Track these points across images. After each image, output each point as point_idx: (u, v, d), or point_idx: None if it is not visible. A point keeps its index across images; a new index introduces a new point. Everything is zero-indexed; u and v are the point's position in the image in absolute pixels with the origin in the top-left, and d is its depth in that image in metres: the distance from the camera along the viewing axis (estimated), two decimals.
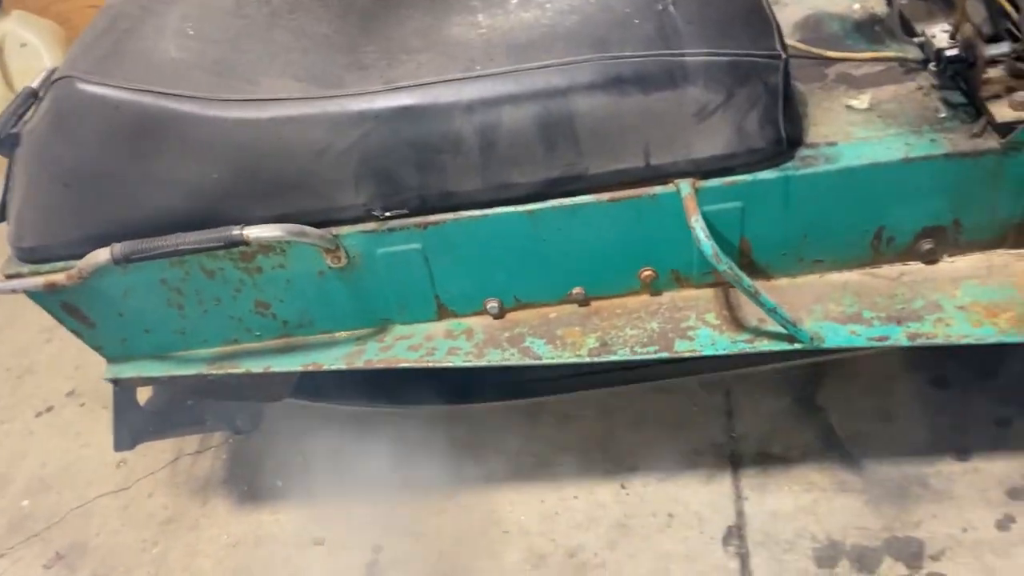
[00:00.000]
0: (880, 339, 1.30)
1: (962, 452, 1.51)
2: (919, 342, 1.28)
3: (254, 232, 1.25)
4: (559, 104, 1.25)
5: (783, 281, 1.43)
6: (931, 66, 1.39)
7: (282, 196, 1.30)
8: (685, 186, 1.28)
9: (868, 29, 1.60)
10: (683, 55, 1.25)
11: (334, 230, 1.33)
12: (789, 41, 1.55)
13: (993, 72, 1.32)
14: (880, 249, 1.40)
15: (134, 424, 1.71)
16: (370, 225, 1.33)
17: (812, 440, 1.60)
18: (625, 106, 1.26)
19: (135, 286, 1.38)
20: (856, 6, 1.67)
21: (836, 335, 1.31)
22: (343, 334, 1.46)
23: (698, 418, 1.69)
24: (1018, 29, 1.28)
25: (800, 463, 1.57)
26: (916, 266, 1.41)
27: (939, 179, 1.32)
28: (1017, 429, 1.52)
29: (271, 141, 1.26)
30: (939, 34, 1.39)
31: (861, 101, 1.43)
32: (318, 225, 1.32)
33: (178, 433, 1.85)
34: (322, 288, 1.40)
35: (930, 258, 1.41)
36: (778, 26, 1.32)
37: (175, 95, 1.25)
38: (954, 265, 1.41)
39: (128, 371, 1.50)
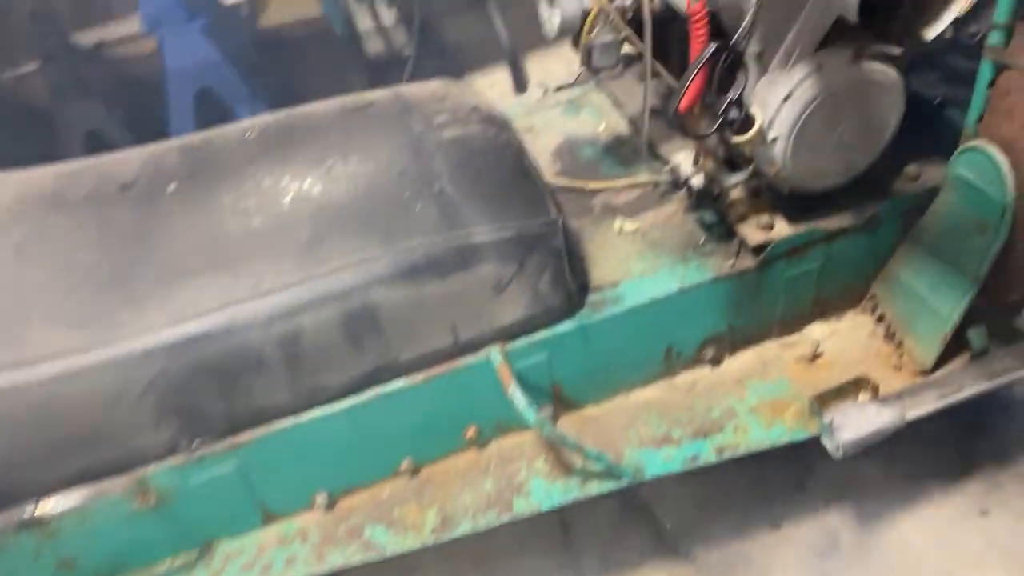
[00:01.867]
0: (693, 459, 1.40)
1: (774, 522, 1.67)
2: (727, 455, 1.40)
3: (49, 507, 1.13)
4: (358, 302, 1.25)
5: (594, 410, 1.51)
6: (686, 191, 1.53)
7: (77, 454, 1.18)
8: (496, 355, 1.32)
9: (618, 152, 1.73)
10: (470, 235, 1.29)
11: (140, 472, 1.23)
12: (552, 175, 1.65)
13: (735, 194, 1.48)
14: (672, 363, 1.52)
15: None
16: (179, 458, 1.25)
17: (645, 539, 1.70)
18: (425, 293, 1.27)
19: None
20: (601, 127, 1.81)
21: (654, 463, 1.40)
22: (163, 567, 1.35)
23: (539, 540, 1.74)
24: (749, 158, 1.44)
25: (639, 564, 1.66)
26: (705, 370, 1.55)
27: (711, 299, 1.45)
28: (811, 490, 1.70)
29: (53, 403, 1.14)
30: (683, 162, 1.53)
31: (629, 225, 1.55)
32: (123, 470, 1.22)
33: None
34: (133, 529, 1.28)
35: (715, 361, 1.55)
36: (547, 188, 1.40)
37: None
38: (736, 363, 1.56)
39: None
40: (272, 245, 1.29)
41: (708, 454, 1.40)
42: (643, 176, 1.64)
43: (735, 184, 1.44)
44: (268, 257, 1.27)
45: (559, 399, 1.46)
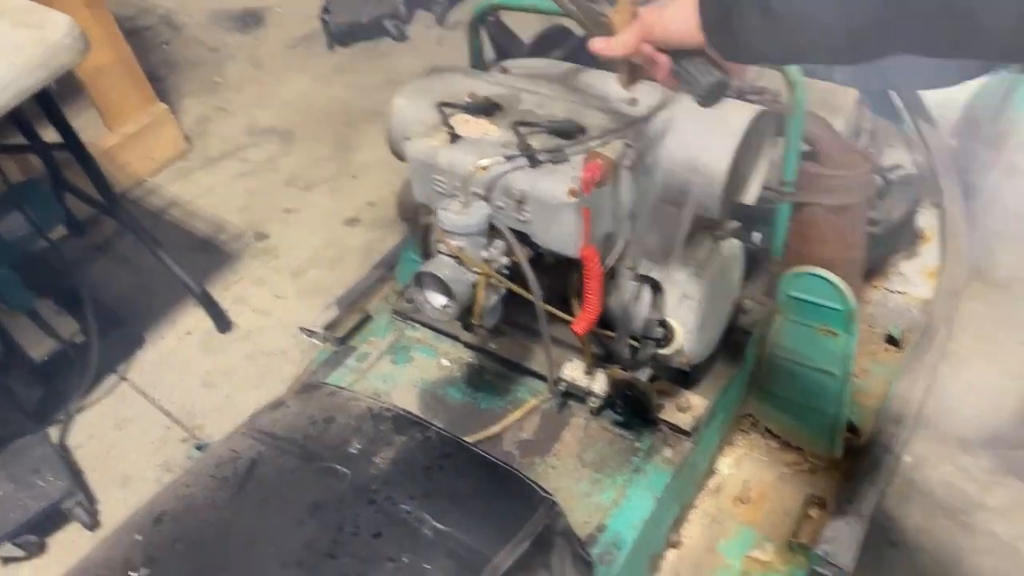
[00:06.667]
0: None
1: None
2: None
3: None
4: None
5: None
6: (591, 401, 1.53)
7: None
8: None
9: (479, 382, 1.66)
10: (496, 569, 1.15)
11: None
12: None
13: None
14: (655, 569, 1.52)
15: None
16: None
17: None
18: None
19: None
20: (444, 362, 1.72)
21: None
22: None
23: None
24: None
25: None
26: (672, 556, 1.57)
27: (672, 492, 1.48)
28: None
29: None
30: (574, 373, 1.53)
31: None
32: None
33: None
34: None
35: (675, 544, 1.58)
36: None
37: None
38: (693, 534, 1.61)
39: None
40: None
41: None
42: (531, 399, 1.60)
43: (647, 379, 1.49)
44: None
45: None
